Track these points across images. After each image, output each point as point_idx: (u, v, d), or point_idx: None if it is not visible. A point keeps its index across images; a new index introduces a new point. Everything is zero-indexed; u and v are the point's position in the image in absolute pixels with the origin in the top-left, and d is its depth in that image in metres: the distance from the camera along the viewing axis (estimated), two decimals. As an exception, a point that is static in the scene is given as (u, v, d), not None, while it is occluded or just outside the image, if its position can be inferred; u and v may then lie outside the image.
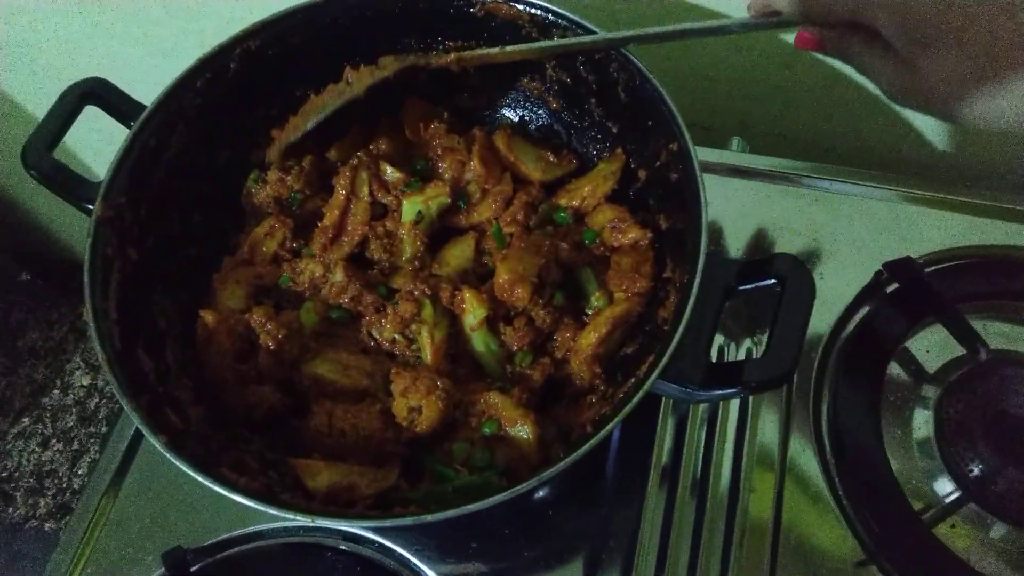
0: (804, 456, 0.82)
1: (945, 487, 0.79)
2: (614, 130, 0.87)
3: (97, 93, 0.80)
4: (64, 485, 1.84)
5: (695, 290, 0.66)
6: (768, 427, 0.84)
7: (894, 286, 0.90)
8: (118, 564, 0.82)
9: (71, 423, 1.92)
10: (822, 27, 0.62)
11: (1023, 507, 0.76)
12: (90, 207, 0.73)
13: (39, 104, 1.36)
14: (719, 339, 0.90)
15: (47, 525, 1.80)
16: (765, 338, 0.88)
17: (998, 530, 0.77)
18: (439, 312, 0.79)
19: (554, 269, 0.81)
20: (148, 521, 0.84)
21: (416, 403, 0.74)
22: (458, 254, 0.85)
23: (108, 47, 1.21)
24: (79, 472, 1.85)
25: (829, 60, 0.76)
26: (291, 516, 0.61)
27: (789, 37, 0.69)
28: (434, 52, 0.84)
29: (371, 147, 0.90)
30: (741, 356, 0.89)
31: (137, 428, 0.87)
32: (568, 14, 0.80)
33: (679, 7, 0.94)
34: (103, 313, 0.69)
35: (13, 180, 1.71)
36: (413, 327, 0.79)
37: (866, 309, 0.90)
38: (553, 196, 0.89)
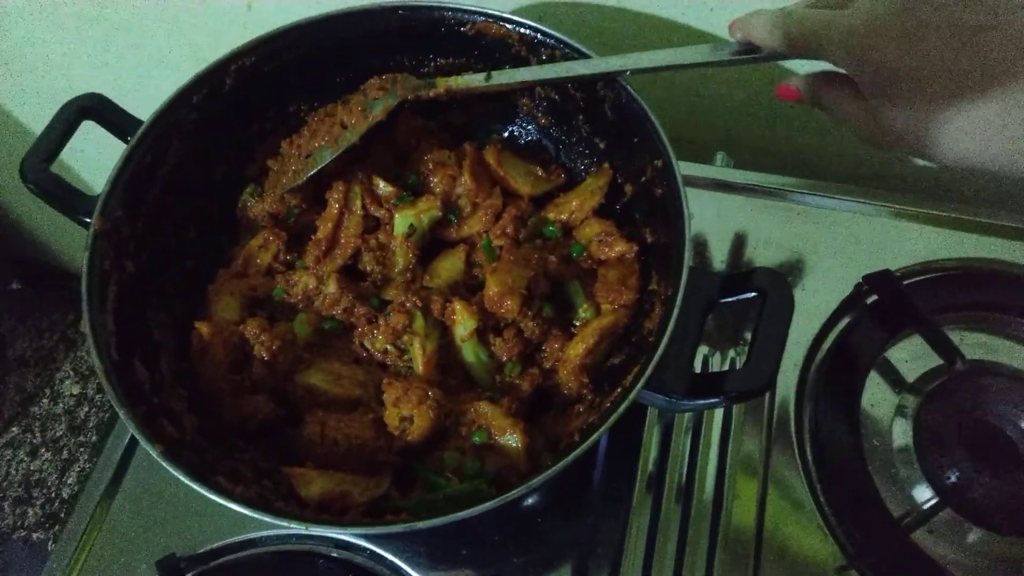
0: (786, 464, 0.84)
1: (923, 494, 0.81)
2: (601, 146, 0.89)
3: (95, 108, 0.80)
4: (53, 495, 1.82)
5: (679, 302, 0.68)
6: (751, 436, 0.86)
7: (874, 298, 0.92)
8: (112, 572, 0.83)
9: (60, 432, 1.89)
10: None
11: (998, 513, 0.77)
12: (87, 220, 0.74)
13: (33, 116, 1.37)
14: (704, 350, 0.91)
15: (35, 535, 1.78)
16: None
17: (974, 535, 0.79)
18: (430, 323, 0.80)
19: (543, 281, 0.82)
20: (142, 529, 0.84)
21: (408, 412, 0.74)
22: (449, 266, 0.86)
23: (104, 60, 1.23)
24: (68, 481, 1.83)
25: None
26: (285, 524, 0.62)
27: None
28: (425, 80, 0.85)
29: (364, 161, 0.91)
30: (726, 366, 0.91)
31: (131, 437, 0.88)
32: (556, 33, 0.82)
33: (665, 26, 0.96)
34: (101, 325, 0.70)
35: (3, 190, 1.71)
36: (405, 338, 0.80)
37: (847, 320, 0.92)
38: (542, 210, 0.90)
